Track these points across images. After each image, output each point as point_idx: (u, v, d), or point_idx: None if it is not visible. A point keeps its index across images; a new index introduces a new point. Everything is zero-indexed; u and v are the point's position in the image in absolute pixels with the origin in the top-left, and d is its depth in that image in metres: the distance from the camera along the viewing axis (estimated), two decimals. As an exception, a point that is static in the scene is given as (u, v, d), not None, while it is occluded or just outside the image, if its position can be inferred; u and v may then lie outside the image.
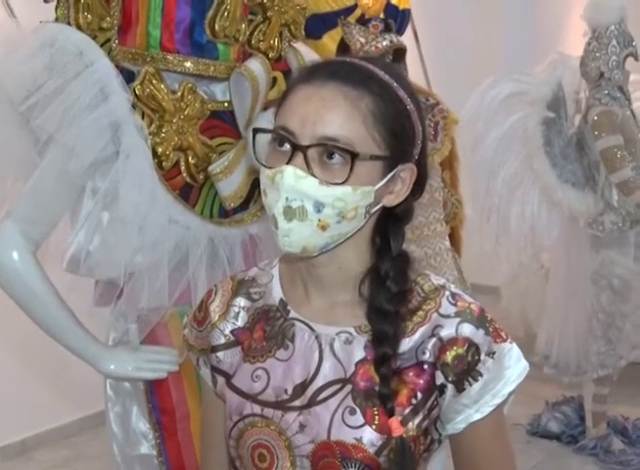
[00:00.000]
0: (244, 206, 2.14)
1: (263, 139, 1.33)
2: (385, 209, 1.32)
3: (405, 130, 1.28)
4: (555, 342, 4.50)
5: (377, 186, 1.25)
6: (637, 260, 4.30)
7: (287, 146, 1.24)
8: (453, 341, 1.27)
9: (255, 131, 1.34)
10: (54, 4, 2.05)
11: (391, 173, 1.27)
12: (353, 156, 1.21)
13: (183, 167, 2.01)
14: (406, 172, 1.29)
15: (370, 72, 1.27)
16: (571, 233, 4.41)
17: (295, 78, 1.32)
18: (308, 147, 1.22)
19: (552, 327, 4.53)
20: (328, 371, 1.30)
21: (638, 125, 4.33)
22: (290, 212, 1.23)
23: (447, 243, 3.37)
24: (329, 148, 1.21)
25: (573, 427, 4.66)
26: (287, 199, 1.22)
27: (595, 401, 4.52)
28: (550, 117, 4.22)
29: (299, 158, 1.22)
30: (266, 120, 2.05)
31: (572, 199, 4.23)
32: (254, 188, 2.14)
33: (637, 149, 4.25)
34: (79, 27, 2.00)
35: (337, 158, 1.22)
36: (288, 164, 1.22)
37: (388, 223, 1.33)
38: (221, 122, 2.11)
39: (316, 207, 1.22)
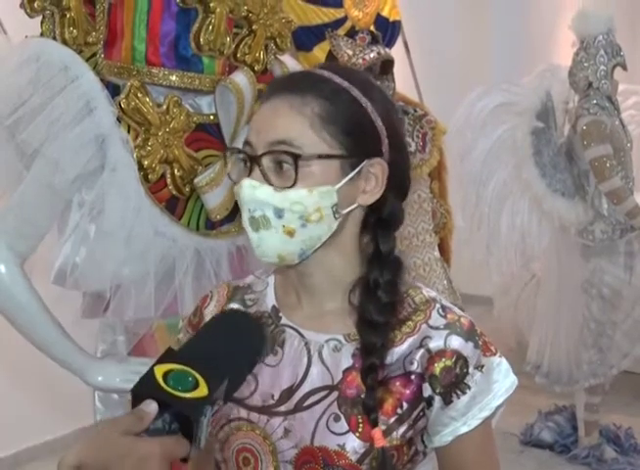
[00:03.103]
0: (230, 217, 2.15)
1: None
2: (371, 214, 1.33)
3: (362, 128, 1.29)
4: (546, 351, 4.51)
5: (338, 185, 1.26)
6: (627, 269, 4.31)
7: (247, 161, 1.28)
8: (441, 353, 1.28)
9: (225, 152, 1.37)
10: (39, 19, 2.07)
11: (355, 171, 1.28)
12: (295, 157, 1.23)
13: (169, 180, 2.03)
14: (375, 168, 1.30)
15: (320, 78, 1.30)
16: (561, 242, 4.43)
17: (260, 101, 1.37)
18: (260, 156, 1.25)
19: (543, 336, 4.54)
20: (315, 377, 1.31)
21: (627, 135, 4.35)
22: (254, 223, 1.27)
23: (436, 253, 3.39)
24: (278, 155, 1.24)
25: (566, 436, 4.66)
26: (249, 210, 1.27)
27: (587, 411, 4.52)
28: (539, 127, 4.23)
29: (257, 169, 1.26)
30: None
31: (562, 208, 4.24)
32: (241, 200, 2.15)
33: (626, 158, 4.27)
34: (65, 42, 2.01)
35: (286, 163, 1.24)
36: (248, 176, 1.26)
37: (377, 229, 1.33)
38: (207, 135, 2.13)
39: (276, 213, 1.25)
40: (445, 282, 3.39)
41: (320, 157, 1.25)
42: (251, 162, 1.26)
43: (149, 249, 2.00)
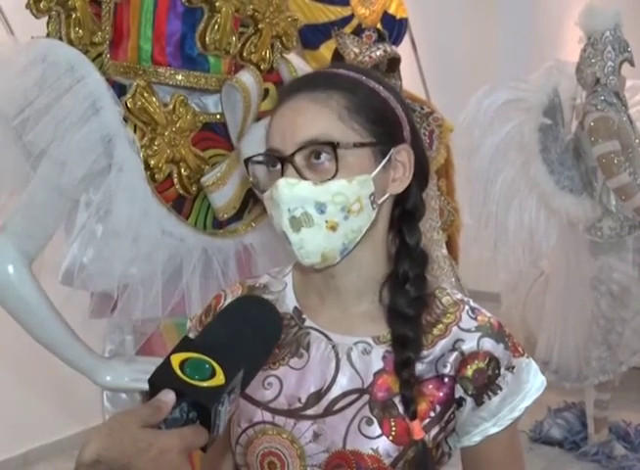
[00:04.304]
0: (237, 216, 2.15)
1: (260, 165, 1.34)
2: (396, 208, 1.33)
3: (386, 116, 1.29)
4: (555, 348, 4.50)
5: (373, 173, 1.26)
6: (636, 266, 4.30)
7: (277, 164, 1.26)
8: (474, 355, 1.28)
9: (247, 161, 1.33)
10: (46, 19, 2.07)
11: (387, 157, 1.27)
12: (334, 146, 1.22)
13: (176, 180, 2.03)
14: (402, 155, 1.29)
15: (335, 73, 1.31)
16: (569, 239, 4.42)
17: (274, 105, 1.35)
18: (293, 155, 1.23)
19: (552, 333, 4.53)
20: (345, 381, 1.29)
21: (635, 131, 4.34)
22: (296, 222, 1.24)
23: (444, 251, 3.39)
24: (311, 148, 1.23)
25: (575, 433, 4.66)
26: (289, 210, 1.23)
27: (597, 407, 4.52)
28: (546, 124, 4.22)
29: (290, 169, 1.23)
30: (258, 132, 2.07)
31: (570, 205, 4.23)
32: (248, 199, 2.15)
33: (634, 154, 4.26)
34: (71, 42, 2.01)
35: (323, 156, 1.23)
36: (281, 177, 1.24)
37: (402, 222, 1.33)
38: (214, 134, 2.13)
39: (318, 208, 1.23)
40: (453, 280, 3.39)
41: (355, 145, 1.24)
42: (282, 162, 1.24)
43: (156, 248, 1.99)
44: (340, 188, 1.23)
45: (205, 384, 1.00)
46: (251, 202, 2.17)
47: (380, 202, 1.28)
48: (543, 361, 4.53)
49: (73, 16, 2.02)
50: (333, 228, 1.24)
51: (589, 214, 4.25)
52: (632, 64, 4.32)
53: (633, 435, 4.61)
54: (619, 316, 4.33)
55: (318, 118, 1.24)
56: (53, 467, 4.47)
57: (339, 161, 1.22)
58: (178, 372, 1.00)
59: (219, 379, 1.01)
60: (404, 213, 1.33)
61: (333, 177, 1.22)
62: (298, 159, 1.23)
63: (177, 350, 1.03)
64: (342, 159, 1.22)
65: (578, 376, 4.47)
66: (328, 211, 1.23)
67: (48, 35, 2.05)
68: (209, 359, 1.02)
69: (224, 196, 2.07)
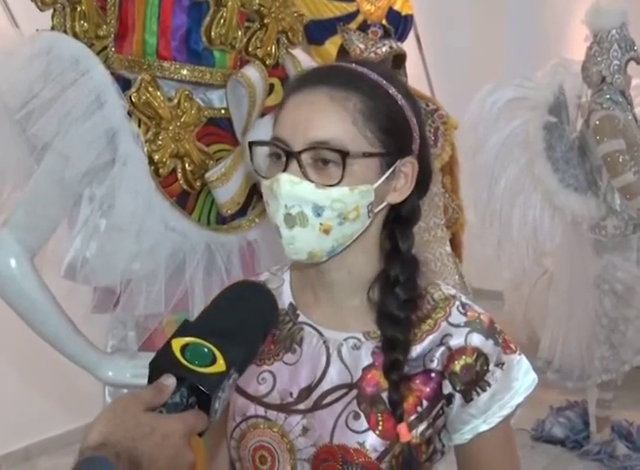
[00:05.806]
0: (241, 212, 2.14)
1: (261, 150, 1.33)
2: (391, 211, 1.32)
3: (399, 126, 1.27)
4: (558, 346, 4.50)
5: (376, 184, 1.25)
6: (640, 265, 4.30)
7: (282, 156, 1.24)
8: (462, 350, 1.28)
9: (251, 144, 1.33)
10: (51, 12, 2.06)
11: (391, 169, 1.26)
12: (344, 155, 1.21)
13: (180, 175, 2.01)
14: (407, 167, 1.28)
15: (357, 73, 1.28)
16: (573, 238, 4.41)
17: (287, 90, 1.33)
18: (300, 152, 1.22)
19: (555, 332, 4.53)
20: (334, 376, 1.30)
21: (640, 130, 4.33)
22: (290, 220, 1.23)
23: (448, 248, 3.38)
24: (320, 151, 1.21)
25: (578, 432, 4.66)
26: (285, 206, 1.23)
27: (599, 406, 4.51)
28: (552, 122, 4.21)
29: (294, 164, 1.22)
30: (263, 127, 2.06)
31: (575, 203, 4.22)
32: (252, 194, 2.14)
33: (639, 153, 4.25)
34: (75, 35, 2.00)
35: (331, 160, 1.22)
36: (284, 171, 1.23)
37: (396, 226, 1.32)
38: (218, 129, 2.11)
39: (315, 211, 1.22)
40: (457, 277, 3.39)
41: (364, 155, 1.23)
42: (288, 157, 1.23)
43: (159, 244, 1.99)
44: (340, 195, 1.22)
45: (206, 370, 1.00)
46: (256, 198, 2.16)
47: (376, 210, 1.28)
48: (546, 360, 4.53)
49: (78, 9, 2.01)
50: (326, 231, 1.24)
51: (593, 213, 4.25)
52: (638, 62, 4.31)
53: (636, 434, 4.61)
54: (623, 315, 4.33)
55: (333, 120, 1.22)
56: (54, 461, 4.47)
57: (345, 169, 1.21)
58: (179, 357, 1.00)
59: (220, 365, 1.01)
60: (399, 218, 1.32)
61: (337, 184, 1.22)
62: (305, 157, 1.22)
63: (178, 334, 1.03)
64: (349, 167, 1.21)
65: (581, 375, 4.47)
66: (324, 215, 1.23)
67: (53, 28, 2.04)
68: (210, 345, 1.02)
69: (228, 191, 2.06)
